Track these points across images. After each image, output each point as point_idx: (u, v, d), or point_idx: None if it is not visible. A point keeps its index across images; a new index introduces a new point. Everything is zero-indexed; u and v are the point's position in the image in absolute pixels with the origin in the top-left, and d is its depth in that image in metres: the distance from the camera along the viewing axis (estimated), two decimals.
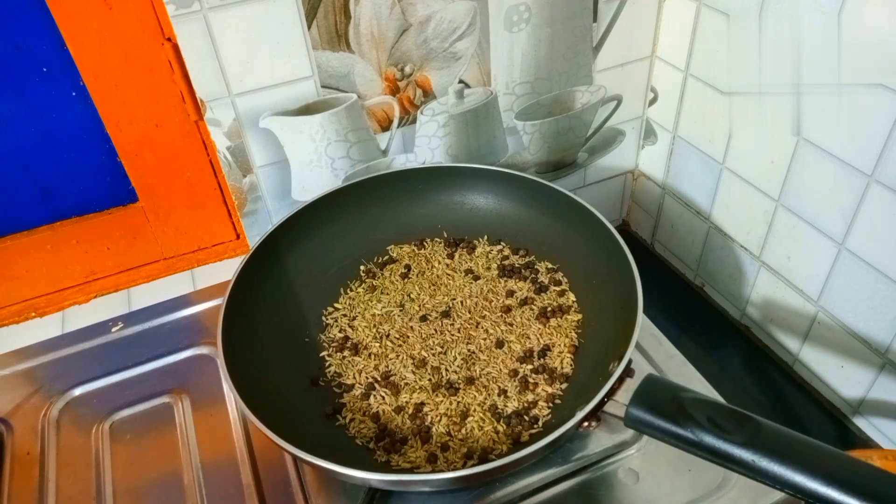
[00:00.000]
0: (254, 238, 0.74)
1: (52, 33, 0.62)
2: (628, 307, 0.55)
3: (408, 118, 0.72)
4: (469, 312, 0.65)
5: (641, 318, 0.53)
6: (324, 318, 0.66)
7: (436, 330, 0.63)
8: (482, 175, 0.72)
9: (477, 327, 0.63)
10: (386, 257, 0.72)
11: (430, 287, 0.68)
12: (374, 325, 0.64)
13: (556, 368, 0.59)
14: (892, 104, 0.53)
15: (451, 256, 0.71)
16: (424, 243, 0.72)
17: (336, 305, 0.67)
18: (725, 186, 0.75)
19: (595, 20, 0.73)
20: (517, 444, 0.54)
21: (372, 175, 0.71)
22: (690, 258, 0.85)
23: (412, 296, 0.67)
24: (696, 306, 0.84)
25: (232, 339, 0.56)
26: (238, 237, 0.81)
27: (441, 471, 0.52)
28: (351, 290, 0.69)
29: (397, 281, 0.69)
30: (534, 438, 0.53)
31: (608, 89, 0.80)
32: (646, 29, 0.76)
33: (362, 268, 0.71)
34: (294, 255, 0.68)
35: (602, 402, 0.48)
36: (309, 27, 0.62)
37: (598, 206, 0.67)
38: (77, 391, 0.67)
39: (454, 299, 0.66)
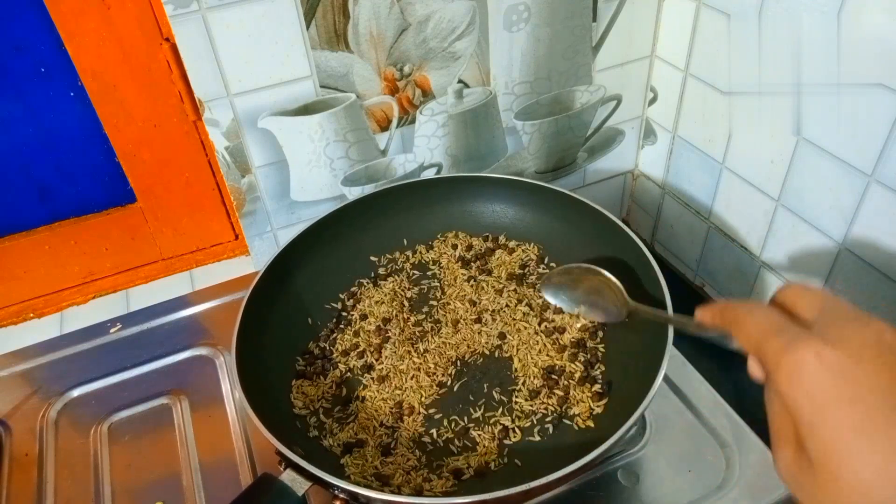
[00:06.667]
0: (252, 239, 0.74)
1: (51, 33, 0.62)
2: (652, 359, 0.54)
3: (407, 118, 0.72)
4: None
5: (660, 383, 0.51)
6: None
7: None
8: (495, 183, 0.74)
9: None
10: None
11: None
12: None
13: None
14: (892, 104, 0.53)
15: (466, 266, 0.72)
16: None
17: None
18: (725, 186, 0.74)
19: (594, 20, 0.73)
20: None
21: (390, 186, 0.73)
22: (690, 258, 0.85)
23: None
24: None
25: (245, 354, 0.57)
26: (237, 238, 0.81)
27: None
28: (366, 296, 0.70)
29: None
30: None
31: (608, 89, 0.80)
32: (645, 28, 0.76)
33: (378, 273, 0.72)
34: (305, 272, 0.69)
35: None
36: (308, 27, 0.62)
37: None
38: (75, 392, 0.67)
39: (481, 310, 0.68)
